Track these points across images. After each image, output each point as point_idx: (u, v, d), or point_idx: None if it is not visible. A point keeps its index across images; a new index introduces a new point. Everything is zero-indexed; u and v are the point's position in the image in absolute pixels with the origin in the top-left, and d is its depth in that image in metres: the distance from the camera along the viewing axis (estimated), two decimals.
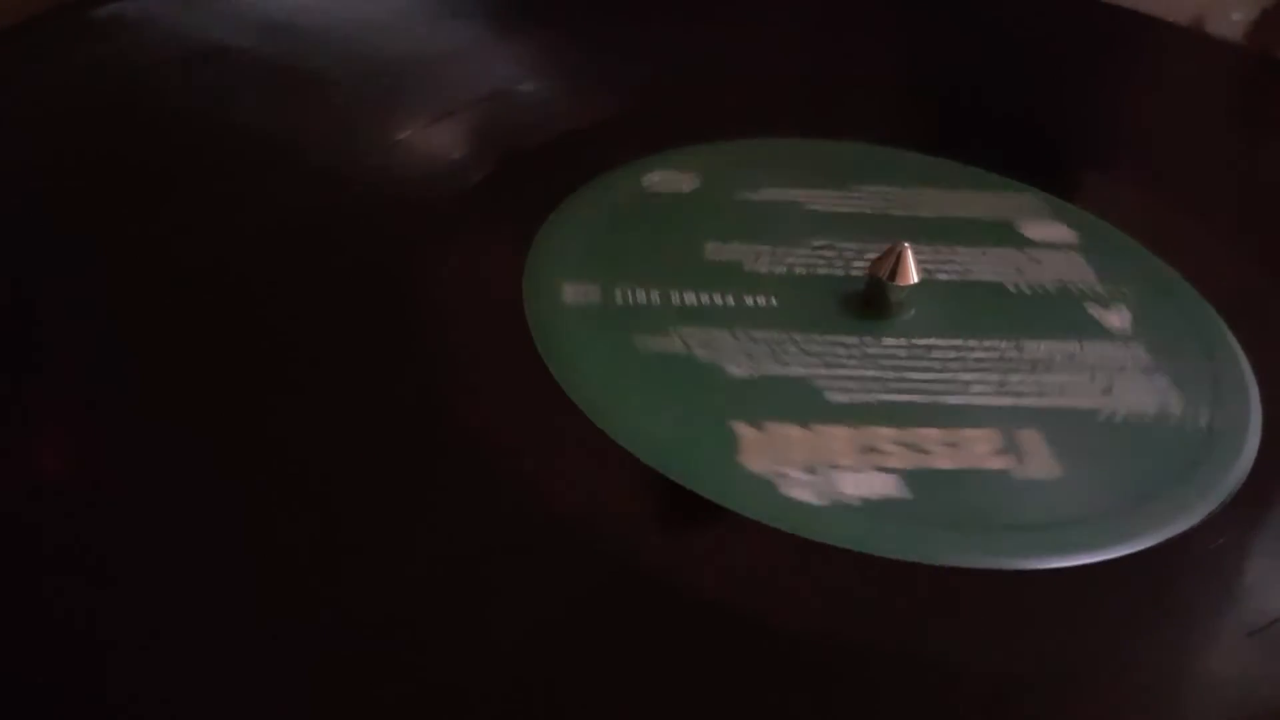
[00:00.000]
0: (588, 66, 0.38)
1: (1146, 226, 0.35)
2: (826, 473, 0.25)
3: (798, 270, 0.31)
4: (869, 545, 0.24)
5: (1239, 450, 0.28)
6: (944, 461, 0.26)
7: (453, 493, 0.24)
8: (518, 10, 0.41)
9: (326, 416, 0.25)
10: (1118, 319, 0.31)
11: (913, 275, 0.30)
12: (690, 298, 0.30)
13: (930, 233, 0.33)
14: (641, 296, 0.30)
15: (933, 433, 0.27)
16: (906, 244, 0.30)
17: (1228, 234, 0.35)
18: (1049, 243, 0.34)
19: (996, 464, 0.26)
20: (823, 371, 0.28)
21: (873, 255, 0.30)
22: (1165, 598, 0.24)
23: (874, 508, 0.25)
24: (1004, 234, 0.34)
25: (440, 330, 0.28)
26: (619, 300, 0.29)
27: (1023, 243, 0.34)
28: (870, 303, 0.30)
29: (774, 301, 0.30)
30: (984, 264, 0.32)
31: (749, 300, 0.30)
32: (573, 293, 0.29)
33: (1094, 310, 0.31)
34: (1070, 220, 0.35)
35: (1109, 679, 0.22)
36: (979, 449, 0.27)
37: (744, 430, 0.26)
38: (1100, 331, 0.31)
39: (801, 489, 0.25)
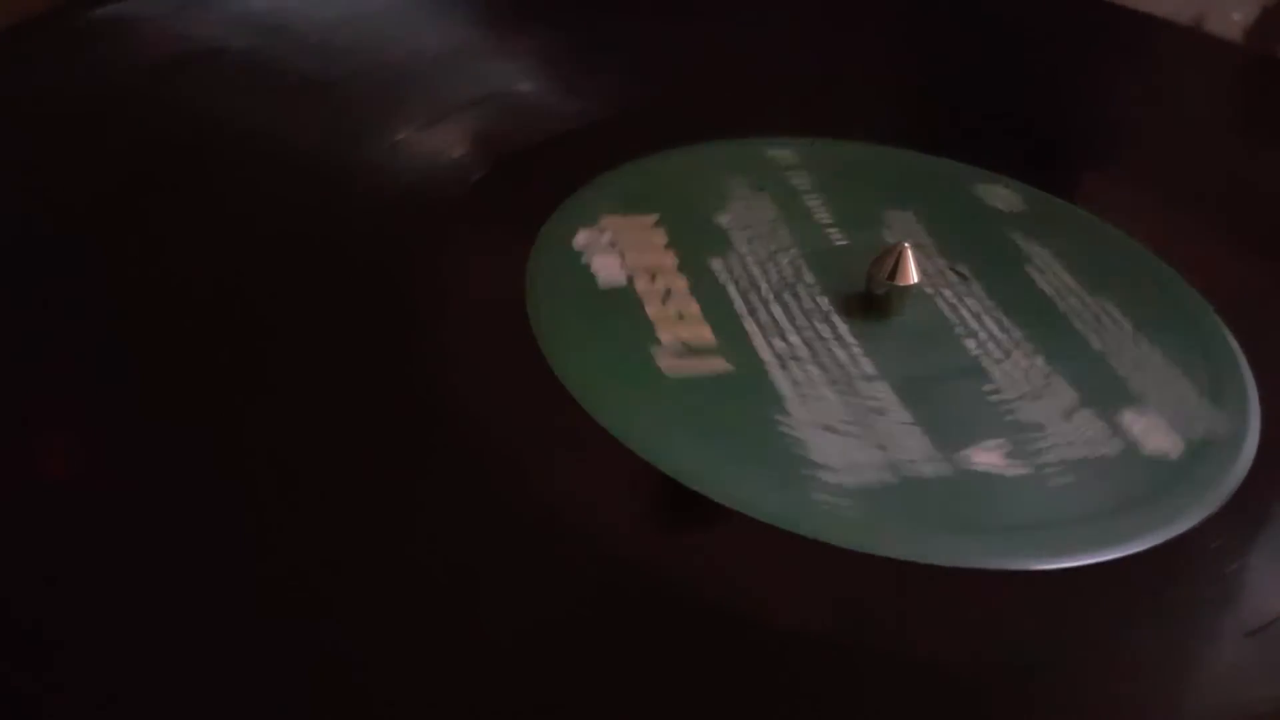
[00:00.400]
0: (588, 66, 0.38)
1: (1146, 226, 0.35)
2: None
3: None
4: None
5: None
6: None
7: (453, 492, 0.24)
8: (517, 10, 0.41)
9: (326, 416, 0.25)
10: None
11: (913, 275, 0.30)
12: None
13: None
14: None
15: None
16: (906, 244, 0.30)
17: (1227, 234, 0.35)
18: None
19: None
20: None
21: (872, 256, 0.30)
22: (1164, 598, 0.24)
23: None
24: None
25: (440, 330, 0.28)
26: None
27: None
28: (870, 303, 0.30)
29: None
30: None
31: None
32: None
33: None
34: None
35: (1108, 679, 0.22)
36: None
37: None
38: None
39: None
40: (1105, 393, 0.29)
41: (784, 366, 0.28)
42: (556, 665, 0.21)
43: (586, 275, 0.30)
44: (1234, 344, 0.31)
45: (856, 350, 0.29)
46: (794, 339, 0.29)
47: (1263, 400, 0.29)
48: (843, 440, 0.26)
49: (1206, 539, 0.25)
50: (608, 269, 0.30)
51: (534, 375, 0.27)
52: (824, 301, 0.30)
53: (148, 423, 0.24)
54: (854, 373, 0.28)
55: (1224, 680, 0.23)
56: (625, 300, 0.29)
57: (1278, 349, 0.31)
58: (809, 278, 0.31)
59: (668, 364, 0.28)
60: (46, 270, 0.27)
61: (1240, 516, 0.26)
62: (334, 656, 0.20)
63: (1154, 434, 0.28)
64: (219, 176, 0.31)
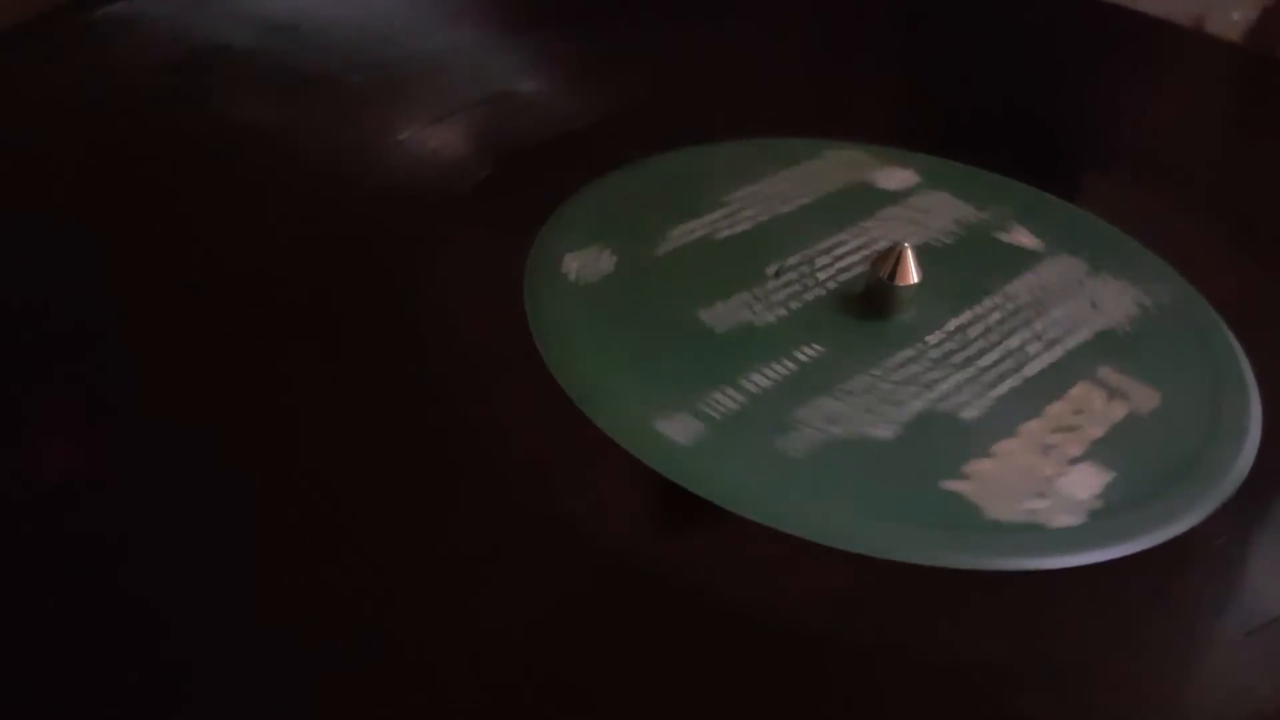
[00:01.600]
0: (588, 66, 0.38)
1: (1146, 226, 0.35)
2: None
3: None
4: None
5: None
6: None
7: (452, 491, 0.24)
8: (518, 10, 0.41)
9: (326, 415, 0.25)
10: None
11: (913, 275, 0.30)
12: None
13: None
14: None
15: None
16: (906, 244, 0.30)
17: (1227, 233, 0.35)
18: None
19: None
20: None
21: (873, 255, 0.30)
22: (1165, 598, 0.24)
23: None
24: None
25: (440, 330, 0.28)
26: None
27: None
28: (870, 303, 0.30)
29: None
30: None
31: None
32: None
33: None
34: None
35: (1108, 679, 0.22)
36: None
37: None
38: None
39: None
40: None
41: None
42: (556, 665, 0.21)
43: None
44: (1234, 344, 0.31)
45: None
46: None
47: (1263, 400, 0.29)
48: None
49: (1206, 539, 0.25)
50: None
51: (533, 375, 0.27)
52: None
53: (149, 422, 0.24)
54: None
55: (1224, 680, 0.23)
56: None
57: (1278, 350, 0.31)
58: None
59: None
60: (49, 269, 0.27)
61: (1240, 516, 0.26)
62: (333, 654, 0.20)
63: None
64: (221, 175, 0.31)
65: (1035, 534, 0.25)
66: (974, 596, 0.24)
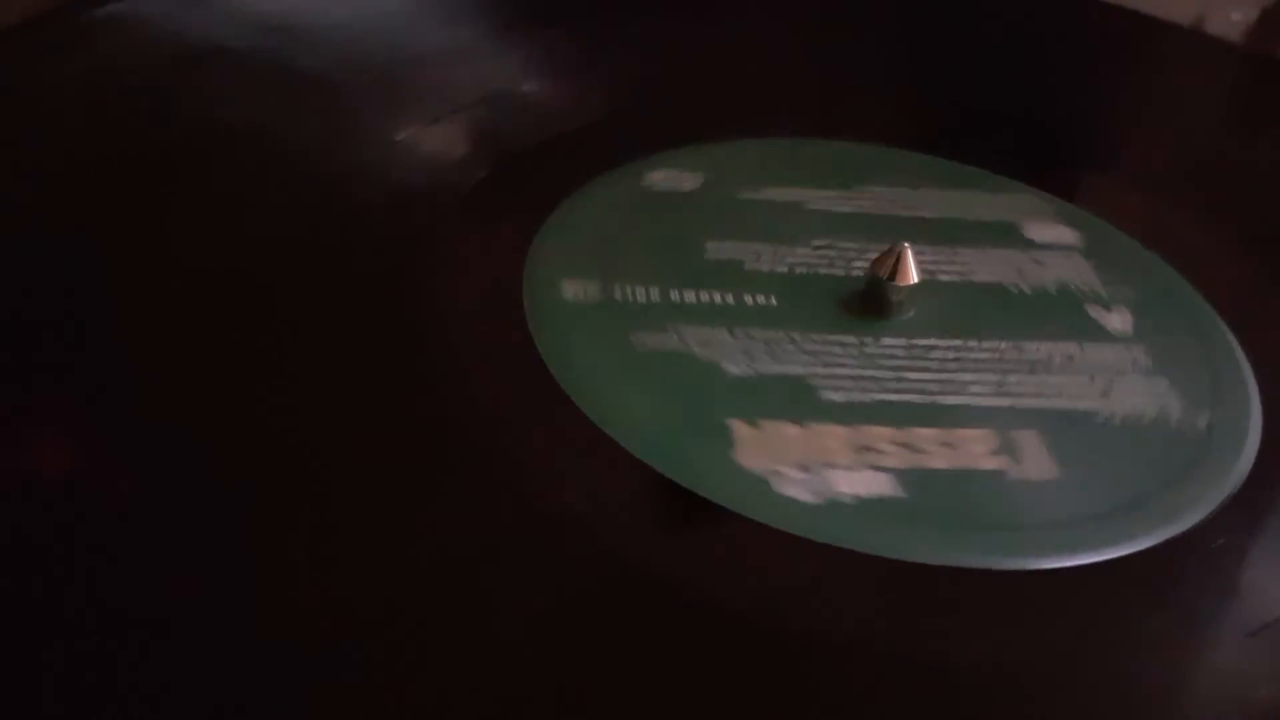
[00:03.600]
0: (587, 66, 0.38)
1: (1146, 226, 0.35)
2: (821, 471, 0.25)
3: (798, 270, 0.31)
4: (864, 544, 0.24)
5: (1239, 450, 0.28)
6: (940, 461, 0.26)
7: (452, 491, 0.24)
8: (518, 10, 0.41)
9: (326, 415, 0.25)
10: (1117, 320, 0.31)
11: (913, 275, 0.30)
12: (690, 296, 0.30)
13: (931, 233, 0.33)
14: (641, 295, 0.30)
15: (929, 433, 0.27)
16: (906, 244, 0.30)
17: (1228, 234, 0.35)
18: (1049, 244, 0.34)
19: (993, 464, 0.26)
20: (820, 371, 0.28)
21: (873, 255, 0.30)
22: (1165, 598, 0.24)
23: (869, 507, 0.25)
24: (1005, 235, 0.34)
25: (440, 329, 0.28)
26: (618, 298, 0.29)
27: (1024, 244, 0.34)
28: (870, 303, 0.30)
29: (773, 301, 0.30)
30: (984, 265, 0.32)
31: (748, 299, 0.30)
32: (572, 291, 0.29)
33: (1094, 311, 0.31)
34: (1071, 221, 0.35)
35: (1108, 679, 0.22)
36: (975, 449, 0.27)
37: (740, 428, 0.26)
38: (1100, 332, 0.31)
39: (796, 487, 0.25)
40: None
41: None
42: (555, 663, 0.21)
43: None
44: (1234, 344, 0.31)
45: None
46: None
47: (1263, 400, 0.29)
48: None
49: (1206, 539, 0.25)
50: None
51: (532, 374, 0.27)
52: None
53: (148, 423, 0.24)
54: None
55: (1224, 680, 0.23)
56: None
57: (1278, 349, 0.31)
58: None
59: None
60: (47, 268, 0.27)
61: (1240, 516, 0.26)
62: (333, 654, 0.20)
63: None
64: (220, 176, 0.31)
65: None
66: (972, 595, 0.24)
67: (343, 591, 0.21)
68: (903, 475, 0.26)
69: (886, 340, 0.29)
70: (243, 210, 0.30)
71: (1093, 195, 0.36)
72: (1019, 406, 0.28)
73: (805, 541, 0.24)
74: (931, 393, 0.28)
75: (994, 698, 0.22)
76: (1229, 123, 0.42)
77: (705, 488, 0.25)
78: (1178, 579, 0.25)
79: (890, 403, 0.27)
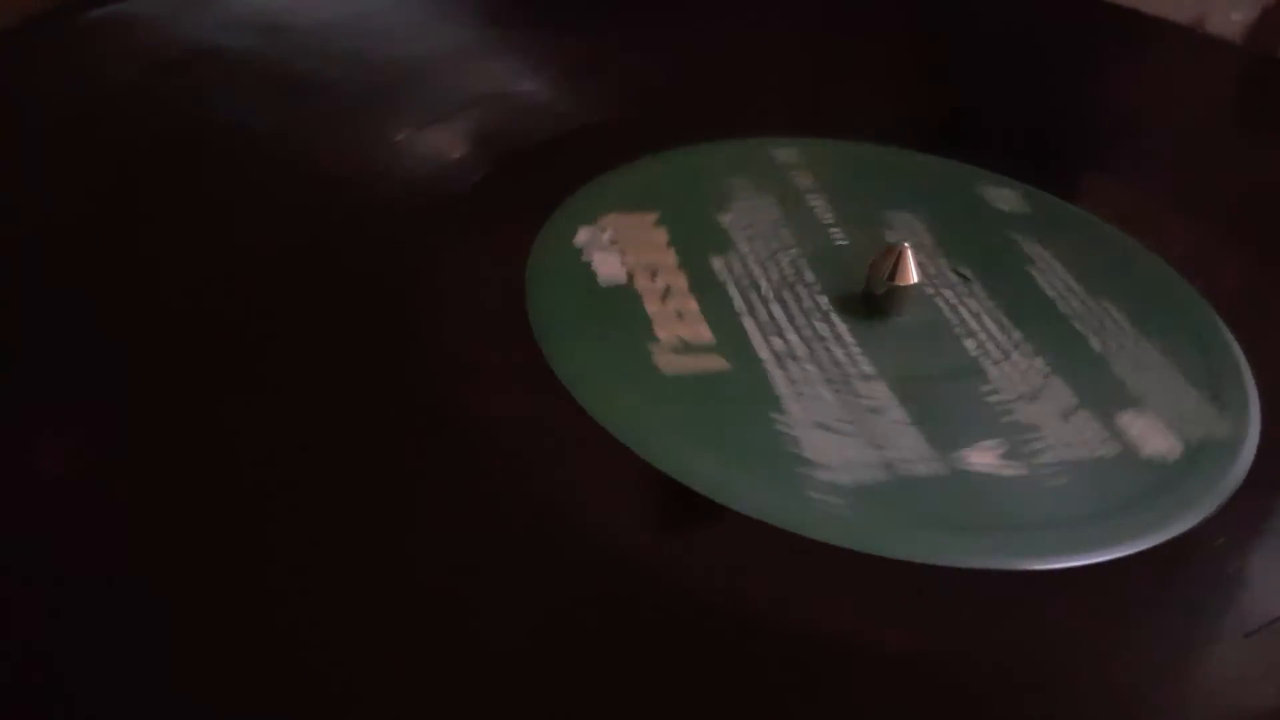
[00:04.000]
0: (587, 66, 0.38)
1: (1146, 226, 0.35)
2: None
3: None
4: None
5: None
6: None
7: (453, 491, 0.24)
8: (518, 10, 0.41)
9: (325, 417, 0.25)
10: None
11: (913, 275, 0.30)
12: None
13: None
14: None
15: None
16: (906, 244, 0.30)
17: (1227, 234, 0.35)
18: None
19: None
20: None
21: (872, 255, 0.30)
22: (1164, 598, 0.24)
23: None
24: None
25: (441, 330, 0.28)
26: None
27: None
28: (870, 303, 0.30)
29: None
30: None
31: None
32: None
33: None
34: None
35: (1107, 679, 0.22)
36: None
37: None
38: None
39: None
40: (1104, 394, 0.29)
41: (781, 365, 0.28)
42: (552, 658, 0.21)
43: (586, 273, 0.30)
44: (1234, 344, 0.31)
45: (855, 349, 0.29)
46: (792, 338, 0.29)
47: (1263, 400, 0.29)
48: (838, 439, 0.26)
49: (1206, 539, 0.25)
50: (608, 266, 0.30)
51: (533, 374, 0.27)
52: (823, 301, 0.30)
53: (146, 425, 0.24)
54: (851, 372, 0.28)
55: (1224, 680, 0.23)
56: (624, 298, 0.30)
57: (1278, 349, 0.31)
58: (809, 277, 0.31)
59: (664, 361, 0.28)
60: (42, 271, 0.27)
61: (1240, 517, 0.26)
62: (334, 654, 0.20)
63: (1152, 436, 0.28)
64: (219, 177, 0.31)
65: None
66: (971, 596, 0.24)
67: (343, 591, 0.21)
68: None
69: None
70: (242, 210, 0.30)
71: (1093, 195, 0.36)
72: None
73: (805, 540, 0.24)
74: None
75: (994, 698, 0.22)
76: (1229, 122, 0.42)
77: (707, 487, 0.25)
78: (1178, 579, 0.25)
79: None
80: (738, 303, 0.30)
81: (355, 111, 0.35)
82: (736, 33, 0.42)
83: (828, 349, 0.29)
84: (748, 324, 0.29)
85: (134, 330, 0.26)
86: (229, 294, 0.28)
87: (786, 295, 0.30)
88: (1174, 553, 0.25)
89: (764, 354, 0.28)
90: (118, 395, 0.25)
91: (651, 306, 0.29)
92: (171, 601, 0.21)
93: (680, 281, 0.30)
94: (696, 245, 0.32)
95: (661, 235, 0.32)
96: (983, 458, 0.26)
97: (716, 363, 0.28)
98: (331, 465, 0.24)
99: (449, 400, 0.26)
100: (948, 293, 0.31)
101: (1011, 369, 0.29)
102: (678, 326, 0.29)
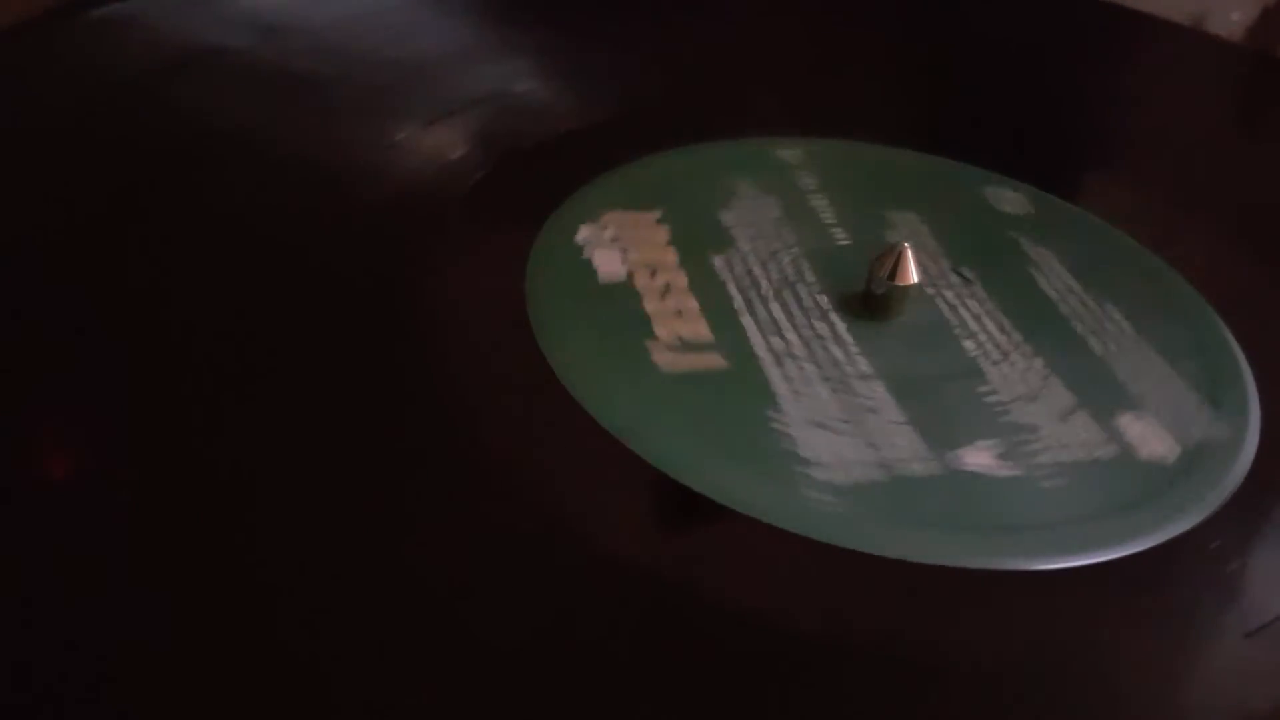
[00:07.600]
0: (587, 66, 0.38)
1: (1147, 226, 0.35)
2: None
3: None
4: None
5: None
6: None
7: (450, 487, 0.24)
8: (518, 10, 0.41)
9: (326, 414, 0.25)
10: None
11: (913, 275, 0.30)
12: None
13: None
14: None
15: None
16: (906, 244, 0.30)
17: (1227, 233, 0.35)
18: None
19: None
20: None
21: (873, 256, 0.30)
22: (1164, 598, 0.24)
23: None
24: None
25: (440, 328, 0.28)
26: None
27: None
28: (870, 302, 0.30)
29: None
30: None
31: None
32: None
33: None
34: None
35: (1107, 679, 0.22)
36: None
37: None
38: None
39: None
40: (1103, 396, 0.29)
41: (779, 364, 0.28)
42: (548, 656, 0.21)
43: (587, 271, 0.30)
44: (1234, 344, 0.31)
45: (853, 349, 0.29)
46: (791, 337, 0.29)
47: (1263, 401, 0.29)
48: (835, 438, 0.26)
49: (1206, 539, 0.25)
50: (608, 263, 0.30)
51: (532, 373, 0.27)
52: (823, 300, 0.30)
53: (145, 425, 0.24)
54: (849, 371, 0.28)
55: (1224, 680, 0.23)
56: (624, 295, 0.30)
57: (1278, 349, 0.31)
58: (810, 277, 0.31)
59: (663, 359, 0.28)
60: (41, 271, 0.27)
61: (1240, 517, 0.26)
62: (334, 654, 0.20)
63: (1150, 438, 0.28)
64: (219, 175, 0.31)
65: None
66: (971, 596, 0.24)
67: (343, 591, 0.21)
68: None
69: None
70: (243, 209, 0.30)
71: (1093, 195, 0.36)
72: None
73: (801, 539, 0.24)
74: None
75: (993, 697, 0.22)
76: (1229, 123, 0.42)
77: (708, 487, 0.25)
78: (1176, 579, 0.25)
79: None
80: (737, 301, 0.30)
81: (355, 111, 0.35)
82: (739, 32, 0.42)
83: (826, 348, 0.29)
84: (747, 323, 0.29)
85: (134, 330, 0.26)
86: (229, 294, 0.28)
87: (786, 294, 0.30)
88: (1173, 553, 0.25)
89: (762, 353, 0.28)
90: (118, 395, 0.25)
91: (651, 304, 0.29)
92: (171, 601, 0.21)
93: (680, 280, 0.30)
94: (697, 244, 0.32)
95: (663, 233, 0.32)
96: (979, 458, 0.26)
97: (715, 361, 0.28)
98: (332, 465, 0.24)
99: (448, 397, 0.26)
100: (948, 293, 0.31)
101: (1010, 369, 0.29)
102: (677, 324, 0.29)
